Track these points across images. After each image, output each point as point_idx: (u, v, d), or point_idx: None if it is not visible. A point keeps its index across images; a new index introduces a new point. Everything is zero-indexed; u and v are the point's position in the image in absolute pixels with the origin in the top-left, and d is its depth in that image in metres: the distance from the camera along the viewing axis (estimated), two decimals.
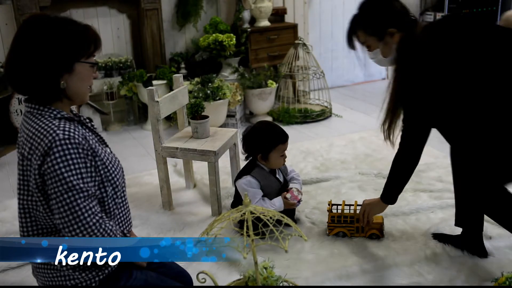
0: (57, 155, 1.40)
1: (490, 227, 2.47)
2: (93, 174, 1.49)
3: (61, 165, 1.40)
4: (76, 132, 1.46)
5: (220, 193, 2.73)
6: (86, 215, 1.43)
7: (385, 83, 5.69)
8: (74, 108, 1.67)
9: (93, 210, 1.45)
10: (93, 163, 1.50)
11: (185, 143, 2.77)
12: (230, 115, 4.22)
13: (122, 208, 1.65)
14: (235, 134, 2.93)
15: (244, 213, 1.56)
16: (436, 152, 3.48)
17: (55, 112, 1.49)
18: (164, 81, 4.20)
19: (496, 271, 2.11)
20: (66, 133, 1.43)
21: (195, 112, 2.85)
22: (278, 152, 2.47)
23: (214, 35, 4.21)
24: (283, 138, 2.47)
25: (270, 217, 1.57)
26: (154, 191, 3.04)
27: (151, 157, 3.60)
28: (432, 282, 2.11)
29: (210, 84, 3.97)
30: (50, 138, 1.42)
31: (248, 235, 1.52)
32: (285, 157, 2.53)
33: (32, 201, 1.51)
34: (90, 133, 1.58)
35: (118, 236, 1.53)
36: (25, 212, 1.54)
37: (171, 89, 4.00)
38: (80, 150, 1.45)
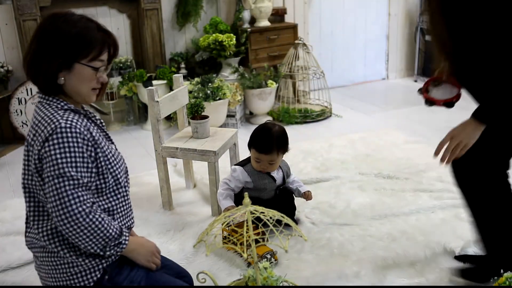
0: (55, 141, 1.45)
1: None
2: (90, 165, 1.51)
3: (57, 151, 1.45)
4: (79, 123, 1.51)
5: None
6: (72, 202, 1.44)
7: (385, 83, 5.70)
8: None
9: (81, 198, 1.46)
10: (93, 153, 1.52)
11: (185, 143, 2.77)
12: (230, 115, 4.22)
13: (124, 203, 1.66)
14: (235, 134, 2.93)
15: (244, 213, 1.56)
16: None
17: (62, 104, 1.55)
18: (164, 81, 4.20)
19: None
20: (69, 122, 1.48)
21: (195, 112, 2.85)
22: (253, 154, 2.46)
23: (214, 35, 4.21)
24: (257, 147, 2.42)
25: (270, 217, 1.57)
26: (154, 191, 3.04)
27: (151, 157, 3.60)
28: (432, 282, 2.11)
29: (210, 84, 3.97)
30: (52, 126, 1.47)
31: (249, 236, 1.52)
32: (264, 166, 2.44)
33: (34, 185, 1.55)
34: (96, 128, 1.62)
35: (111, 228, 1.52)
36: (29, 196, 1.58)
37: (171, 89, 4.00)
38: (80, 140, 1.48)
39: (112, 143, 1.73)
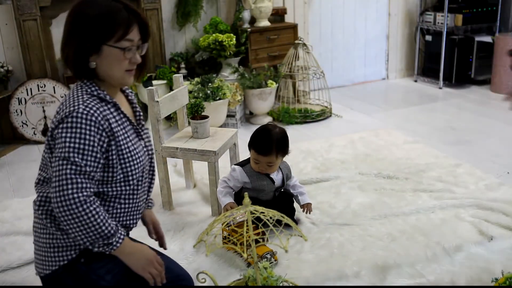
0: (69, 124, 1.45)
1: (491, 227, 2.47)
2: (98, 155, 1.49)
3: (68, 134, 1.45)
4: (98, 111, 1.49)
5: None
6: (70, 186, 1.43)
7: (385, 83, 5.70)
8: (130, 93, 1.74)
9: (80, 186, 1.44)
10: (104, 144, 1.50)
11: (185, 143, 2.77)
12: (230, 115, 4.22)
13: (129, 200, 1.62)
14: (235, 134, 2.93)
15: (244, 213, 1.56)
16: (436, 152, 3.49)
17: (93, 89, 1.54)
18: (164, 81, 4.20)
19: (497, 271, 2.11)
20: (87, 109, 1.47)
21: (195, 112, 2.85)
22: (253, 155, 2.46)
23: (214, 35, 4.21)
24: (256, 148, 2.42)
25: (270, 217, 1.57)
26: (154, 191, 3.02)
27: None
28: (432, 282, 2.11)
29: (210, 84, 3.97)
30: (71, 108, 1.47)
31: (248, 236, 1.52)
32: (262, 167, 2.44)
33: (46, 158, 1.57)
34: (124, 120, 1.59)
35: (105, 224, 1.48)
36: (43, 166, 1.61)
37: (171, 89, 4.00)
38: (93, 128, 1.47)
39: (142, 139, 1.69)
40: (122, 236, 1.54)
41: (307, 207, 2.54)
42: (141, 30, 1.55)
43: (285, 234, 1.59)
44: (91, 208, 1.46)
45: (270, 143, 2.40)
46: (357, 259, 2.28)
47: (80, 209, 1.44)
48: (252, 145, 2.46)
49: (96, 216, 1.46)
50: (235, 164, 2.60)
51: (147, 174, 1.71)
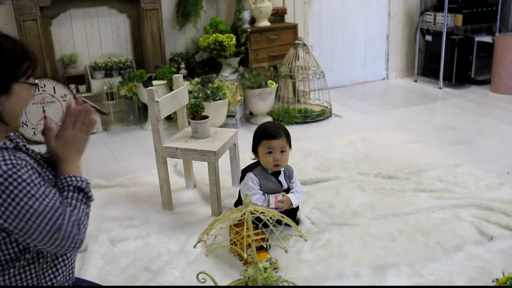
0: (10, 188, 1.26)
1: (492, 227, 2.47)
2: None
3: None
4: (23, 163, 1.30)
5: (220, 193, 2.73)
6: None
7: (385, 83, 5.70)
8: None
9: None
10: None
11: (185, 143, 2.77)
12: (230, 115, 4.22)
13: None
14: (235, 134, 2.93)
15: (244, 213, 1.56)
16: (436, 152, 3.49)
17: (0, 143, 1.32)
18: (164, 81, 4.20)
19: (497, 271, 2.12)
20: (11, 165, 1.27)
21: (195, 112, 2.85)
22: (263, 148, 2.48)
23: (214, 35, 4.21)
24: (267, 136, 2.47)
25: (270, 217, 1.57)
26: (154, 191, 3.04)
27: (151, 157, 3.60)
28: (432, 282, 2.11)
29: (210, 84, 3.97)
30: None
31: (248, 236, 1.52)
32: (276, 158, 2.47)
33: None
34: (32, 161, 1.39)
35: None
36: None
37: (171, 89, 4.00)
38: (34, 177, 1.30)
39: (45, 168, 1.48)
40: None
41: (284, 199, 2.47)
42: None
43: (285, 234, 1.59)
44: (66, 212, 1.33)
45: (277, 127, 2.54)
46: (356, 259, 2.28)
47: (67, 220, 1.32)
48: (260, 137, 2.50)
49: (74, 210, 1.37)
50: (242, 171, 2.61)
51: None
